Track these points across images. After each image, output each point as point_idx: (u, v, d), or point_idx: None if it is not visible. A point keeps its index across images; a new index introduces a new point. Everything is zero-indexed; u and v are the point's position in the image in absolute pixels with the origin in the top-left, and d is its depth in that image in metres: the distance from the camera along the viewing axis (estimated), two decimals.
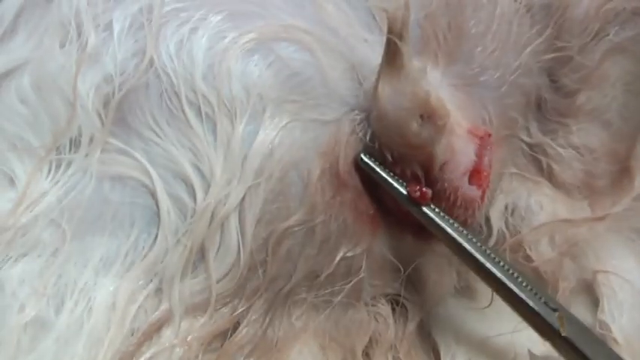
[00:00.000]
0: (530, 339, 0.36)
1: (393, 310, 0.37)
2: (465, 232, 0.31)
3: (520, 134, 0.38)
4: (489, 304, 0.36)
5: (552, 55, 0.38)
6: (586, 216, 0.37)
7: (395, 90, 0.32)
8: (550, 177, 0.38)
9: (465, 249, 0.32)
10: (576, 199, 0.38)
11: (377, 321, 0.36)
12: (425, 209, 0.33)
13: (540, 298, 0.30)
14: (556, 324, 0.29)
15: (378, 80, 0.32)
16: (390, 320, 0.36)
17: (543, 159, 0.38)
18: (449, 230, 0.33)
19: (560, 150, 0.37)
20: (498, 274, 0.31)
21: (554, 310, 0.29)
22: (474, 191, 0.33)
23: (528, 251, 0.37)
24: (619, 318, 0.35)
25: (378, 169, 0.35)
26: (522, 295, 0.30)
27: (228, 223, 0.34)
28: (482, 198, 0.33)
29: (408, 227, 0.35)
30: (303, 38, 0.35)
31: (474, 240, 0.31)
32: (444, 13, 0.35)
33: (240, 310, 0.35)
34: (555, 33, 0.37)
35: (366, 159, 0.35)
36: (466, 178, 0.33)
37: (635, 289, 0.36)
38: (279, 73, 0.36)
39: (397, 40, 0.32)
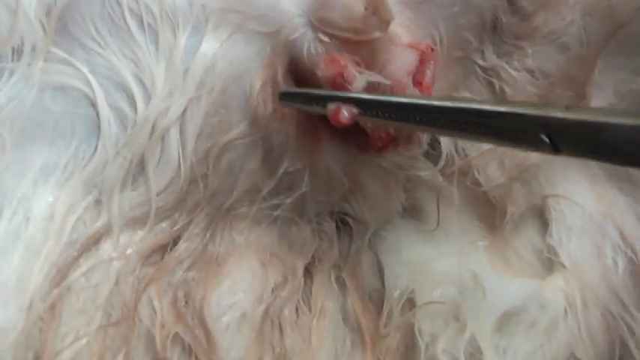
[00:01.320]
0: (477, 260, 0.35)
1: (338, 228, 0.35)
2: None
3: (474, 57, 0.38)
4: (437, 226, 0.35)
5: None
6: None
7: None
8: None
9: (426, 105, 0.29)
10: None
11: (321, 239, 0.35)
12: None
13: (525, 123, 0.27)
14: (546, 145, 0.26)
15: None
16: (335, 238, 0.35)
17: (497, 82, 0.37)
18: (399, 98, 0.30)
19: (515, 73, 0.36)
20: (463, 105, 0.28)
21: (543, 127, 0.26)
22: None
23: (477, 175, 0.36)
24: (567, 242, 0.35)
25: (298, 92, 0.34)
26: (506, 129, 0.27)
27: (169, 136, 0.34)
28: None
29: (352, 139, 0.33)
30: None
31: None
32: None
33: (180, 225, 0.34)
34: None
35: (284, 90, 0.34)
36: (410, 78, 0.32)
37: (586, 212, 0.35)
38: None
39: None
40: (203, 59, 0.34)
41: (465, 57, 0.37)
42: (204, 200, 0.34)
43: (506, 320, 0.34)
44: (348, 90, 0.32)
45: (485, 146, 0.37)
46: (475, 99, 0.33)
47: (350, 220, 0.36)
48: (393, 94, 0.32)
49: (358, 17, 0.31)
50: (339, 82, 0.32)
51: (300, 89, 0.34)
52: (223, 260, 0.34)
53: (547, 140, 0.25)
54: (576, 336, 0.33)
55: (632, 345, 0.34)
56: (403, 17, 0.35)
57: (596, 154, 0.25)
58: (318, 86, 0.33)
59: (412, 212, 0.37)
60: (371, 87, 0.32)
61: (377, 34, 0.32)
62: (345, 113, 0.30)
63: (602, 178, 0.38)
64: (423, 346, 0.34)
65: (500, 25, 0.38)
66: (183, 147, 0.34)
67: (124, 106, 0.35)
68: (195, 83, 0.35)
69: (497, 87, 0.37)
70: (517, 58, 0.37)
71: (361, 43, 0.33)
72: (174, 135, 0.35)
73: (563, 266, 0.35)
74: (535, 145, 0.26)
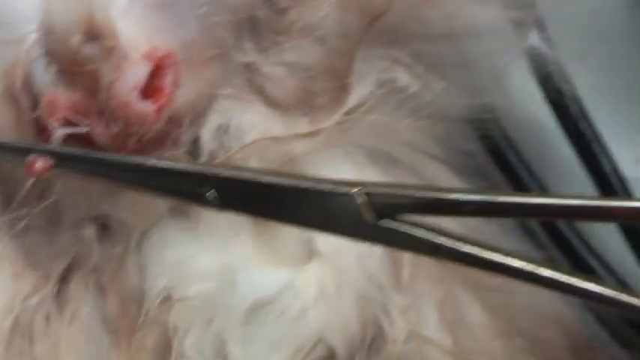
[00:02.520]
0: (241, 253, 0.36)
1: (101, 232, 0.36)
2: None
3: (233, 54, 0.38)
4: (198, 223, 0.36)
5: None
6: (295, 132, 0.36)
7: (64, 3, 0.31)
8: (264, 96, 0.37)
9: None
10: (295, 116, 0.37)
11: (81, 244, 0.35)
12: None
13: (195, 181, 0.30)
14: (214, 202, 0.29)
15: None
16: (95, 243, 0.35)
17: (257, 78, 0.37)
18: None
19: (271, 68, 0.37)
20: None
21: (211, 185, 0.29)
22: (147, 105, 0.33)
23: None
24: None
25: None
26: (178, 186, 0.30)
27: None
28: (158, 112, 0.34)
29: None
30: None
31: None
32: None
33: None
34: None
35: None
36: (136, 94, 0.33)
37: None
38: None
39: None
40: None
41: (224, 54, 0.38)
42: None
43: (256, 311, 0.34)
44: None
45: (247, 139, 0.37)
46: (157, 157, 0.34)
47: (112, 224, 0.36)
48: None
49: (74, 48, 0.32)
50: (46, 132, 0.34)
51: (3, 141, 0.35)
52: None
53: (214, 198, 0.29)
54: (327, 320, 0.34)
55: (385, 323, 0.35)
56: (147, 22, 0.35)
57: (255, 211, 0.30)
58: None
59: (179, 211, 0.37)
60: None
61: (95, 66, 0.32)
62: (40, 164, 0.32)
63: (366, 166, 0.38)
64: (175, 342, 0.34)
65: (258, 21, 0.37)
66: None
67: None
68: None
69: (257, 83, 0.37)
70: (275, 52, 0.38)
71: (84, 73, 0.32)
72: None
73: (320, 254, 0.35)
74: (204, 201, 0.30)
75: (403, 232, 0.25)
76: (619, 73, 0.51)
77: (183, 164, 0.31)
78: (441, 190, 0.25)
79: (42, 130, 0.34)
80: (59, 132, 0.34)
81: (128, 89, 0.34)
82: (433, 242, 0.24)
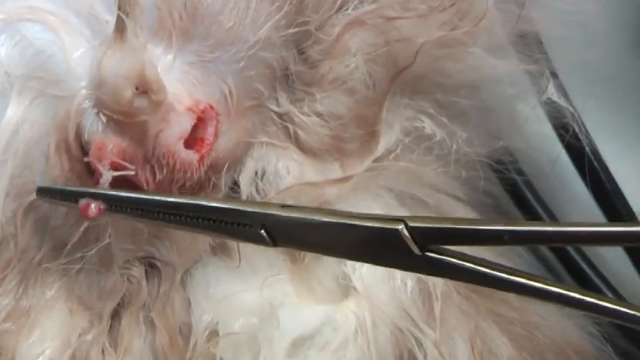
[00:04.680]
0: (281, 291, 0.39)
1: (148, 271, 0.39)
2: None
3: (268, 104, 0.41)
4: (240, 263, 0.39)
5: (294, 29, 0.40)
6: (328, 178, 0.39)
7: (116, 61, 0.34)
8: (298, 143, 0.40)
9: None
10: (327, 161, 0.41)
11: (130, 283, 0.38)
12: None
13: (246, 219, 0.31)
14: (264, 239, 0.31)
15: (104, 52, 0.35)
16: (143, 282, 0.38)
17: (291, 127, 0.40)
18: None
19: (305, 118, 0.40)
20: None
21: (261, 223, 0.31)
22: (190, 155, 0.36)
23: None
24: (360, 268, 0.38)
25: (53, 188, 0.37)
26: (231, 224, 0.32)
27: None
28: (201, 160, 0.37)
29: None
30: (48, 19, 0.37)
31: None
32: None
33: None
34: (295, 9, 0.39)
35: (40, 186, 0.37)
36: (181, 144, 0.36)
37: None
38: (25, 51, 0.38)
39: (124, 17, 0.34)
40: (8, 124, 0.37)
41: (260, 105, 0.41)
42: (16, 257, 0.37)
43: (300, 344, 0.37)
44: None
45: (283, 185, 0.39)
46: (207, 197, 0.38)
47: (158, 264, 0.39)
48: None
49: (126, 101, 0.34)
50: (96, 177, 0.36)
51: (55, 186, 0.37)
52: (34, 312, 0.36)
53: (265, 235, 0.30)
54: (365, 353, 0.37)
55: (420, 356, 0.37)
56: (190, 77, 0.38)
57: (304, 246, 0.31)
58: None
59: (220, 250, 0.40)
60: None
61: (145, 117, 0.35)
62: (93, 209, 0.34)
63: (395, 208, 0.41)
64: None
65: (291, 74, 0.41)
66: None
67: None
68: (1, 147, 0.37)
69: (291, 131, 0.40)
70: (307, 103, 0.40)
71: (133, 123, 0.35)
72: None
73: (356, 290, 0.38)
74: (255, 238, 0.31)
75: (446, 262, 0.27)
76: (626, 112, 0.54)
77: (234, 203, 0.32)
78: (479, 222, 0.27)
79: (91, 175, 0.37)
80: (107, 175, 0.36)
81: (174, 139, 0.37)
82: (472, 269, 0.27)
